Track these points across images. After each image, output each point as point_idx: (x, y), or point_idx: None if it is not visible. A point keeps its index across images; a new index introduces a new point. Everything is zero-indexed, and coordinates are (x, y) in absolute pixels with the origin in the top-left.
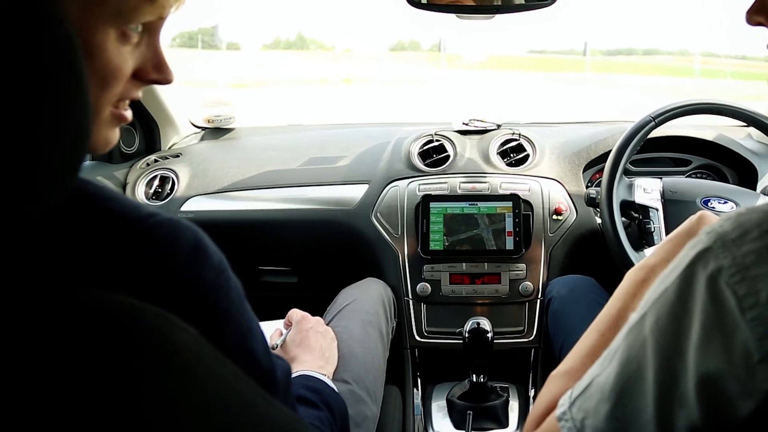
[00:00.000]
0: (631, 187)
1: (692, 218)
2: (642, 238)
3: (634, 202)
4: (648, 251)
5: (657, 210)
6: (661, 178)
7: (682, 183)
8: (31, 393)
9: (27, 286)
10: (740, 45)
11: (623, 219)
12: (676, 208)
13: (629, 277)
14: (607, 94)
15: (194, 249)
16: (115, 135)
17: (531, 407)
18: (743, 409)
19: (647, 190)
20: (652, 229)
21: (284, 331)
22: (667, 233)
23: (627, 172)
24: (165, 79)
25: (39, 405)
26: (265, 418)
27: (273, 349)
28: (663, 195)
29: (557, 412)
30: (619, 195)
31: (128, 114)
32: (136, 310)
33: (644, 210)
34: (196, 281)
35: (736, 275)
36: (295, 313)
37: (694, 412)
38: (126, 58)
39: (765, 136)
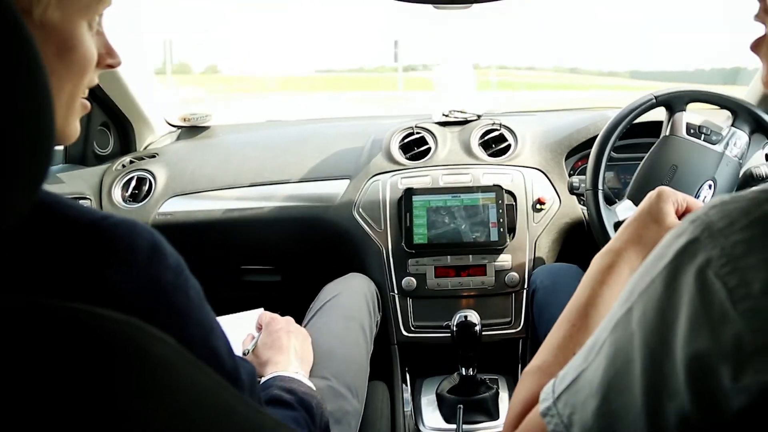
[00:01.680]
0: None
1: (650, 196)
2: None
3: (619, 221)
4: None
5: None
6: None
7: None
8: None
9: None
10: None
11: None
12: None
13: (596, 264)
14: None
15: (152, 250)
16: (78, 125)
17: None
18: (736, 403)
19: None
20: None
21: (256, 335)
22: None
23: (609, 159)
24: (117, 62)
25: (8, 426)
26: (248, 424)
27: (245, 354)
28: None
29: (541, 407)
30: (607, 218)
31: (88, 103)
32: (112, 322)
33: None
34: (155, 281)
35: (726, 266)
36: (264, 316)
37: (686, 405)
38: (93, 46)
39: (710, 104)
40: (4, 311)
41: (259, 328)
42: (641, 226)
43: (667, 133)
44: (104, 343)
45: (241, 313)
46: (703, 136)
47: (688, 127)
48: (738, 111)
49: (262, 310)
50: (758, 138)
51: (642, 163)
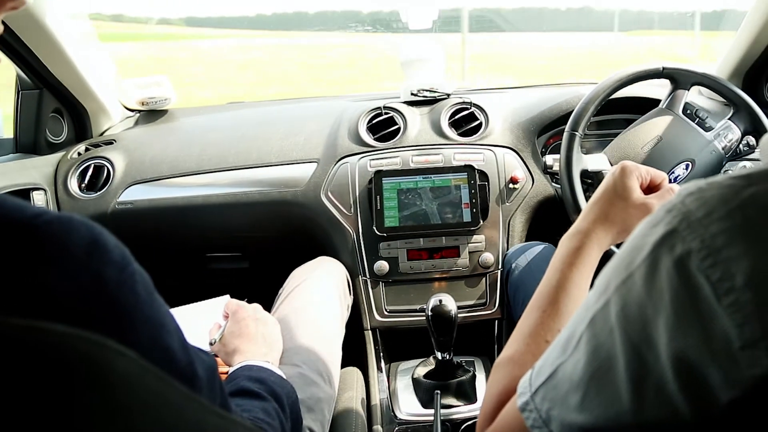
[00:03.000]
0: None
1: (613, 172)
2: None
3: (587, 170)
4: None
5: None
6: (604, 152)
7: (619, 145)
8: None
9: None
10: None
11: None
12: None
13: (564, 246)
14: None
15: (91, 246)
16: None
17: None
18: (726, 397)
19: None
20: None
21: (222, 324)
22: None
23: (585, 136)
24: (21, 3)
25: None
26: None
27: (212, 344)
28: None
29: (519, 402)
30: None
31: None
32: (67, 338)
33: (598, 176)
34: (96, 281)
35: (707, 259)
36: (231, 304)
37: (674, 398)
38: None
39: (714, 92)
40: None
41: (226, 317)
42: (607, 203)
43: (664, 106)
44: (57, 363)
45: (207, 301)
46: (697, 119)
47: (686, 106)
48: (739, 107)
49: (228, 297)
50: (750, 139)
51: (630, 126)
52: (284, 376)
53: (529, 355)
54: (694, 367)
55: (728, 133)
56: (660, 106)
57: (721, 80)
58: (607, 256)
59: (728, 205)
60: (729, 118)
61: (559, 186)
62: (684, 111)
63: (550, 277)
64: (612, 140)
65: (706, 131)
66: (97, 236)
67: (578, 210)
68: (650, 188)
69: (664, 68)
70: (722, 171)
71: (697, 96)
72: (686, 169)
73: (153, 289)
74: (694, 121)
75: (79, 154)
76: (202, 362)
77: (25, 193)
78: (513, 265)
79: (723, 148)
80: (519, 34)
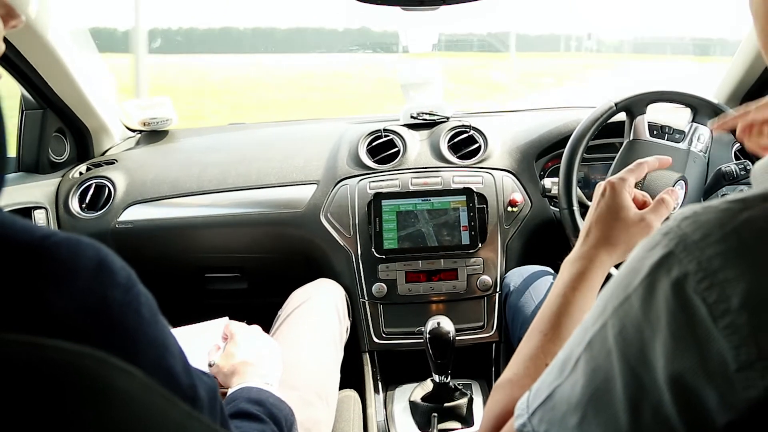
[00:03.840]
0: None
1: (602, 194)
2: None
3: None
4: None
5: None
6: (605, 178)
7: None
8: None
9: None
10: None
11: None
12: None
13: (566, 271)
14: None
15: (98, 268)
16: None
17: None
18: (723, 419)
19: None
20: None
21: (221, 345)
22: None
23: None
24: (20, 22)
25: None
26: None
27: (210, 365)
28: None
29: (516, 423)
30: (576, 191)
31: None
32: (66, 354)
33: None
34: (102, 303)
35: (703, 281)
36: (230, 325)
37: (671, 420)
38: None
39: (669, 103)
40: None
41: (225, 338)
42: (605, 225)
43: (631, 138)
44: (60, 379)
45: (206, 323)
46: (666, 135)
47: (651, 128)
48: (698, 107)
49: (227, 319)
50: (747, 164)
51: (611, 169)
52: (283, 399)
53: (528, 378)
54: (691, 389)
55: (699, 134)
56: (626, 139)
57: (668, 90)
58: (606, 277)
59: (724, 229)
60: (692, 121)
61: (557, 209)
62: (651, 133)
63: (553, 300)
64: (609, 164)
65: (679, 143)
66: (104, 258)
67: (577, 233)
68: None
69: (616, 104)
70: (719, 195)
71: (655, 115)
72: (682, 188)
73: (157, 310)
74: (663, 138)
75: (81, 173)
76: (204, 384)
77: (26, 212)
78: (511, 288)
79: (701, 151)
80: None
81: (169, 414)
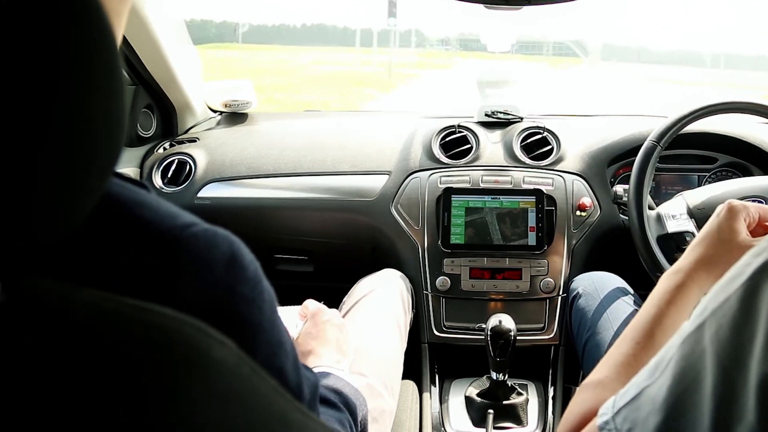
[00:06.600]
0: (659, 219)
1: (720, 211)
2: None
3: (667, 233)
4: None
5: (693, 234)
6: (681, 195)
7: (703, 193)
8: (57, 414)
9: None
10: None
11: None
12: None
13: (664, 283)
14: None
15: (230, 262)
16: None
17: (561, 417)
18: None
19: (675, 216)
20: None
21: (299, 323)
22: None
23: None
24: None
25: (66, 426)
26: None
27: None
28: (691, 214)
29: (599, 421)
30: (651, 230)
31: None
32: (175, 321)
33: (680, 237)
34: (230, 296)
35: None
36: (311, 304)
37: (753, 425)
38: None
39: None
40: (80, 305)
41: (303, 316)
42: (711, 245)
43: None
44: (162, 343)
45: (282, 308)
46: None
47: None
48: None
49: (297, 308)
50: None
51: (730, 181)
52: (355, 387)
53: (619, 383)
54: None
55: None
56: None
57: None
58: None
59: None
60: None
61: (627, 218)
62: None
63: (647, 310)
64: (684, 175)
65: None
66: (236, 252)
67: (646, 243)
68: (761, 225)
69: (656, 142)
70: None
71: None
72: None
73: (276, 307)
74: None
75: (165, 149)
76: (308, 380)
77: None
78: (579, 292)
79: None
80: None
81: (259, 388)
